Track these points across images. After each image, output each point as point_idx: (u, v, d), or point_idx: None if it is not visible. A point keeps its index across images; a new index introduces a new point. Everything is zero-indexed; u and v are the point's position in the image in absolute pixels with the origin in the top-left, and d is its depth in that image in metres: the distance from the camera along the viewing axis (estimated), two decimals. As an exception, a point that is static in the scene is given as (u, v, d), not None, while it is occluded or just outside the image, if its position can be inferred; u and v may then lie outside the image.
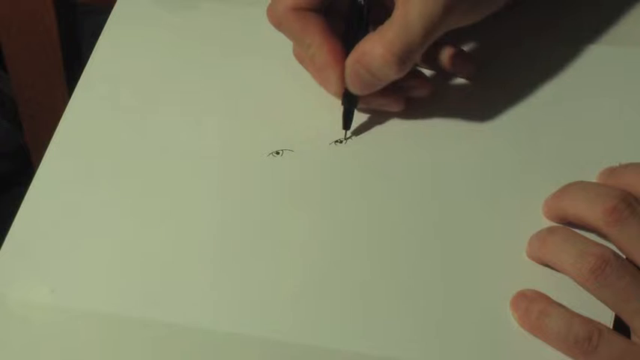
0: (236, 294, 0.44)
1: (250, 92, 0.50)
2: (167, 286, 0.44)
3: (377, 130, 0.49)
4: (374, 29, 0.46)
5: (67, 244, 0.46)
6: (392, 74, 0.46)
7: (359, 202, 0.47)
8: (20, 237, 0.46)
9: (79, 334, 0.43)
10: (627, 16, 0.53)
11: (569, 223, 0.44)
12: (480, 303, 0.43)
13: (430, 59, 0.50)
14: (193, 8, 0.55)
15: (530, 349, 0.42)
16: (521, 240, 0.45)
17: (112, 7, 0.55)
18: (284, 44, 0.49)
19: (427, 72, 0.51)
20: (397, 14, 0.45)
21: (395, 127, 0.49)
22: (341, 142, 0.49)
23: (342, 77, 0.47)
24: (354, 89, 0.47)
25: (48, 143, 0.50)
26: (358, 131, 0.49)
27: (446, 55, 0.50)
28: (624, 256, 0.42)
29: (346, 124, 0.49)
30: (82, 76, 0.53)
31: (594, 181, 0.46)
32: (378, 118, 0.50)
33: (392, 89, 0.48)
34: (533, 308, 0.42)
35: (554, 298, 0.43)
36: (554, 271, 0.43)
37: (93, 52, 0.54)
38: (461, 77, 0.51)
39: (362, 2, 0.47)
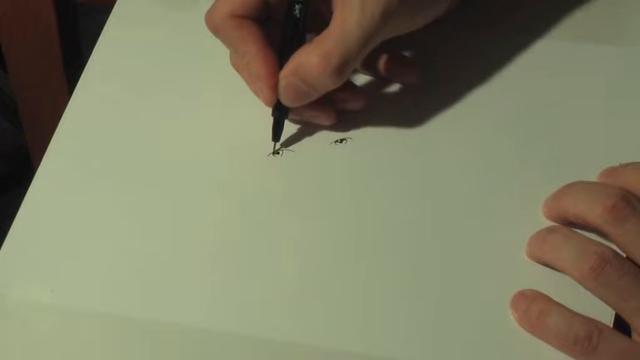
0: (235, 294, 0.44)
1: (250, 92, 0.50)
2: (167, 286, 0.44)
3: (376, 130, 0.49)
4: (311, 39, 0.46)
5: (67, 244, 0.46)
6: (329, 84, 0.46)
7: (358, 203, 0.47)
8: (20, 237, 0.46)
9: (78, 334, 0.43)
10: (629, 16, 0.53)
11: (569, 222, 0.44)
12: (480, 303, 0.43)
13: (371, 66, 0.50)
14: (193, 8, 0.55)
15: (530, 349, 0.42)
16: (521, 240, 0.45)
17: (112, 7, 0.55)
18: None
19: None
20: (334, 24, 0.45)
21: (395, 127, 0.49)
22: (276, 152, 0.49)
23: (274, 88, 0.47)
24: (287, 101, 0.47)
25: (48, 143, 0.50)
26: (358, 132, 0.49)
27: (387, 62, 0.50)
28: (624, 255, 0.42)
29: (275, 135, 0.49)
30: (82, 76, 0.53)
31: (594, 180, 0.46)
32: (378, 118, 0.50)
33: (324, 102, 0.48)
34: (533, 308, 0.42)
35: (554, 298, 0.43)
36: (554, 271, 0.43)
37: (93, 52, 0.54)
38: (401, 85, 0.51)
39: (297, 15, 0.47)
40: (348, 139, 0.49)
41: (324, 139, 0.49)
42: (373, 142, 0.49)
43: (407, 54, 0.52)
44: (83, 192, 0.48)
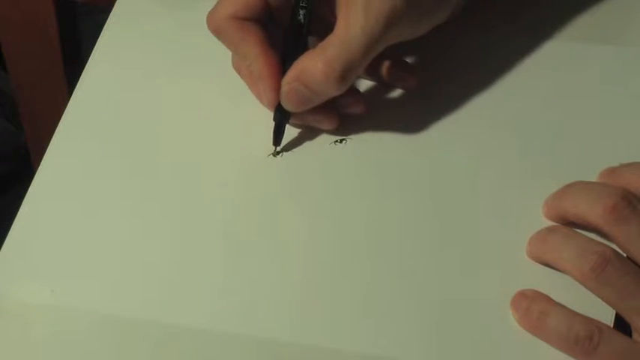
0: (236, 294, 0.44)
1: (250, 92, 0.50)
2: (167, 287, 0.44)
3: (377, 130, 0.49)
4: (314, 44, 0.46)
5: (67, 244, 0.46)
6: (332, 91, 0.46)
7: (359, 203, 0.47)
8: (20, 237, 0.46)
9: (78, 335, 0.43)
10: (629, 16, 0.53)
11: (569, 222, 0.44)
12: (480, 303, 0.43)
13: (374, 72, 0.50)
14: (193, 8, 0.55)
15: (530, 349, 0.42)
16: (521, 240, 0.45)
17: (112, 7, 0.55)
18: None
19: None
20: (338, 30, 0.45)
21: (394, 127, 0.49)
22: (277, 154, 0.49)
23: (277, 91, 0.47)
24: (290, 106, 0.47)
25: (48, 143, 0.50)
26: (359, 132, 0.49)
27: (389, 67, 0.50)
28: (625, 255, 0.42)
29: (276, 139, 0.48)
30: (82, 76, 0.53)
31: (594, 180, 0.46)
32: (378, 119, 0.50)
33: (326, 106, 0.47)
34: (534, 308, 0.42)
35: (554, 297, 0.42)
36: (554, 271, 0.43)
37: (93, 51, 0.54)
38: (401, 90, 0.51)
39: (301, 20, 0.47)
40: (348, 140, 0.49)
41: (324, 139, 0.49)
42: (374, 142, 0.49)
43: (406, 58, 0.52)
44: (83, 192, 0.48)
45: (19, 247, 0.46)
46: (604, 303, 0.42)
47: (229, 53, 0.49)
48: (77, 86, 0.52)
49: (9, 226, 0.47)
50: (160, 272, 0.45)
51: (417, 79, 0.50)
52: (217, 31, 0.47)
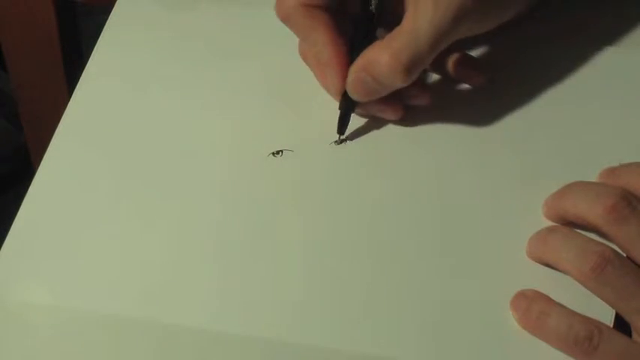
0: (236, 294, 0.44)
1: (250, 92, 0.50)
2: (167, 287, 0.44)
3: (377, 130, 0.49)
4: (382, 36, 0.46)
5: (67, 244, 0.46)
6: (398, 83, 0.45)
7: (359, 203, 0.47)
8: (20, 237, 0.46)
9: (79, 335, 0.43)
10: (628, 18, 0.53)
11: (569, 222, 0.44)
12: (480, 303, 0.43)
13: (440, 66, 0.50)
14: (193, 8, 0.55)
15: (530, 349, 0.42)
16: (521, 240, 0.45)
17: (112, 7, 0.55)
18: (284, 45, 0.49)
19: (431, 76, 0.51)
20: (406, 22, 0.45)
21: (395, 127, 0.49)
22: (341, 142, 0.49)
23: (343, 79, 0.47)
24: (356, 95, 0.47)
25: (48, 143, 0.50)
26: (359, 132, 0.49)
27: (456, 63, 0.50)
28: (625, 255, 0.42)
29: (341, 128, 0.49)
30: (82, 76, 0.53)
31: (594, 180, 0.46)
32: (377, 118, 0.50)
33: (392, 97, 0.47)
34: (534, 308, 0.42)
35: (554, 297, 0.42)
36: (554, 271, 0.43)
37: (93, 52, 0.54)
38: (470, 86, 0.51)
39: (373, 10, 0.47)
40: (349, 140, 0.49)
41: (324, 139, 0.49)
42: (374, 142, 0.49)
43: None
44: (83, 192, 0.48)
45: (19, 247, 0.46)
46: (604, 303, 0.42)
47: (228, 54, 0.49)
48: (77, 87, 0.52)
49: (9, 226, 0.47)
50: (160, 272, 0.45)
51: (484, 77, 0.50)
52: (286, 18, 0.47)
